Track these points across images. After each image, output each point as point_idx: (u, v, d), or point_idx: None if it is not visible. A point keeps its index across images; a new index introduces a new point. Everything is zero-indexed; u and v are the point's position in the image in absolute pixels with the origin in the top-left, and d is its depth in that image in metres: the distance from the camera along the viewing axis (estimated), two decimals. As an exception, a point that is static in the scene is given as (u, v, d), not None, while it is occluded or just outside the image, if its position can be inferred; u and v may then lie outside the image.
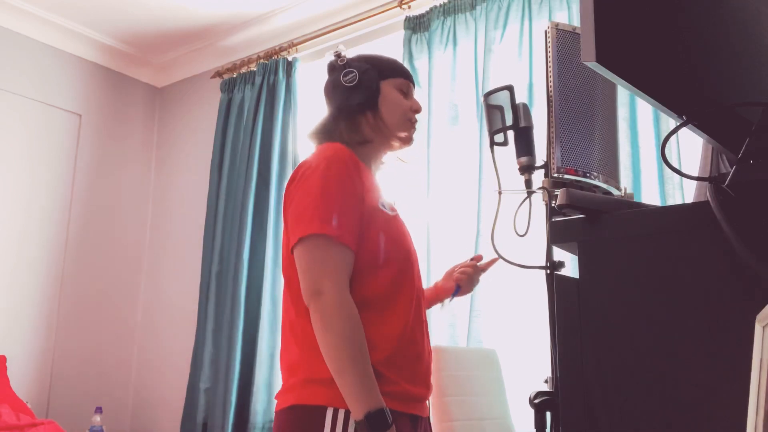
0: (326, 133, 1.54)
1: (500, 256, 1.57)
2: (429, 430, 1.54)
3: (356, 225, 1.39)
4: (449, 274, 1.75)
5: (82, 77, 4.05)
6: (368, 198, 1.43)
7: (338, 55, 1.57)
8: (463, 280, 1.69)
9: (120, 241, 4.11)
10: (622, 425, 0.88)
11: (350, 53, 1.61)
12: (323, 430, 1.30)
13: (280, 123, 3.57)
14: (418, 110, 1.59)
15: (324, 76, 1.63)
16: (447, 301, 1.74)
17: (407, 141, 1.58)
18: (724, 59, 0.99)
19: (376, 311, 1.39)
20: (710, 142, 0.98)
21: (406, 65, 3.12)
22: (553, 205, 1.40)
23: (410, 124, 1.58)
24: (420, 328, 1.48)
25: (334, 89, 1.57)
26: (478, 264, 1.73)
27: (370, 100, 1.53)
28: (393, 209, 1.52)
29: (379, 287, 1.40)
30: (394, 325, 1.40)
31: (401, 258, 1.46)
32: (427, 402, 1.54)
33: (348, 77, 1.54)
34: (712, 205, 0.84)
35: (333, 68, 1.60)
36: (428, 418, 1.56)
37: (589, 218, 0.99)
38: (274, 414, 3.22)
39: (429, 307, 1.72)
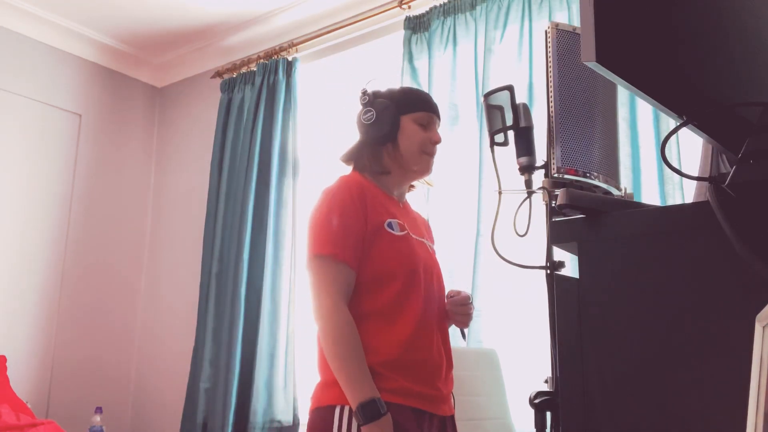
0: (352, 159, 1.74)
1: (500, 256, 1.57)
2: (450, 428, 1.61)
3: (356, 244, 1.55)
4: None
5: (82, 77, 4.05)
6: (373, 220, 1.58)
7: (364, 92, 1.71)
8: (457, 320, 1.72)
9: (120, 241, 4.11)
10: (622, 425, 0.88)
11: (376, 83, 1.75)
12: (333, 425, 1.47)
13: (280, 123, 3.57)
14: (436, 141, 1.72)
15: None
16: (464, 338, 1.80)
17: (421, 173, 1.73)
18: (724, 59, 0.99)
19: (382, 321, 1.54)
20: (710, 142, 0.98)
21: (406, 65, 3.12)
22: (553, 205, 1.39)
23: (426, 157, 1.71)
24: (427, 335, 1.58)
25: (359, 121, 1.73)
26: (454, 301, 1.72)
27: (389, 135, 1.68)
28: (403, 229, 1.63)
29: (384, 300, 1.55)
30: (397, 334, 1.54)
31: (406, 275, 1.58)
32: (452, 401, 1.64)
33: (366, 116, 1.69)
34: (712, 205, 0.84)
35: (361, 101, 1.73)
36: (452, 416, 1.64)
37: (589, 218, 0.99)
38: (278, 414, 3.27)
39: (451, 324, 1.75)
